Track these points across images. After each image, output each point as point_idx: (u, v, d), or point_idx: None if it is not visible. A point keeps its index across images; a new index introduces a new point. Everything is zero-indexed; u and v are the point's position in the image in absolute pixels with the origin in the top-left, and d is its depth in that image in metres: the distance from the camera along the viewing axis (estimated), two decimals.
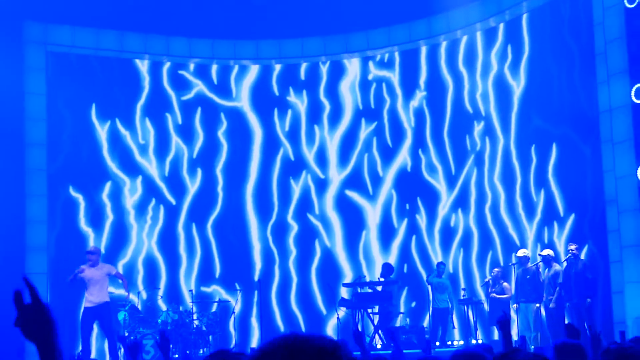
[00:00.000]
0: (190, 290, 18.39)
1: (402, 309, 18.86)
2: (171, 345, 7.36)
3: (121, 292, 16.39)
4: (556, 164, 17.50)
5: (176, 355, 16.24)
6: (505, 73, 18.79)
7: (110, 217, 19.38)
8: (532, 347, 15.38)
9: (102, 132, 19.49)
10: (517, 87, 18.53)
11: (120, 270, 17.97)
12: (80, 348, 16.54)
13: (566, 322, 15.76)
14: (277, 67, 20.65)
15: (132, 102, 19.85)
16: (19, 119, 18.00)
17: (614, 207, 15.54)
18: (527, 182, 18.17)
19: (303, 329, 19.85)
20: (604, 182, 15.89)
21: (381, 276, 17.66)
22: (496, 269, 17.53)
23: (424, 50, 20.02)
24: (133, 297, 17.20)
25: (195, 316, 17.23)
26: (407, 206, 20.00)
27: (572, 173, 17.03)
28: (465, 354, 4.55)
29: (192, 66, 20.38)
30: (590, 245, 16.51)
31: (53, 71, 18.78)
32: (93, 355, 17.63)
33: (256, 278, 19.25)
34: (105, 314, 14.93)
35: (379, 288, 17.34)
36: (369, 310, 17.16)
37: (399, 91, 20.29)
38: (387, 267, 17.79)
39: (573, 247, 15.58)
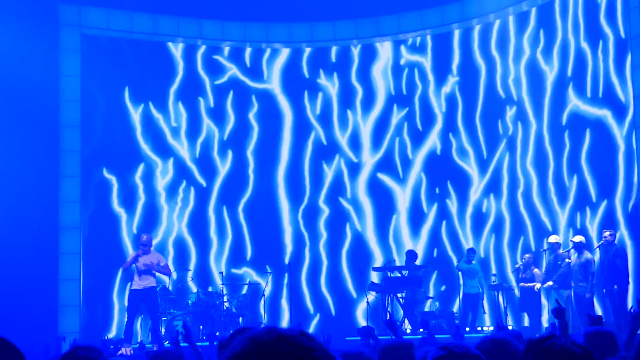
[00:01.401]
0: (221, 272, 18.45)
1: (431, 294, 18.84)
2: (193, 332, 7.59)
3: (161, 276, 16.60)
4: (589, 149, 17.37)
5: (204, 337, 16.34)
6: (537, 58, 18.65)
7: (142, 199, 19.52)
8: None
9: (135, 114, 19.62)
10: (550, 72, 18.38)
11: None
12: (112, 332, 16.72)
13: (596, 309, 15.68)
14: (308, 50, 20.64)
15: (165, 86, 19.94)
16: (54, 100, 18.16)
17: None
18: (559, 168, 18.05)
19: (333, 312, 19.91)
20: (638, 168, 15.75)
21: (405, 263, 17.67)
22: (527, 255, 17.46)
23: (457, 34, 19.91)
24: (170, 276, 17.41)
25: (225, 298, 17.31)
26: (437, 190, 19.96)
27: (605, 159, 16.91)
28: (494, 340, 4.54)
29: (226, 50, 20.41)
30: (621, 232, 16.39)
31: (87, 53, 18.91)
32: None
33: (287, 261, 19.30)
34: (153, 298, 15.75)
35: (405, 273, 17.35)
36: (399, 295, 17.16)
37: (431, 77, 20.21)
38: (410, 254, 17.78)
39: (607, 233, 15.40)
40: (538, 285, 16.75)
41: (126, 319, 15.96)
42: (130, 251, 18.90)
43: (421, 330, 14.92)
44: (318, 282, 20.18)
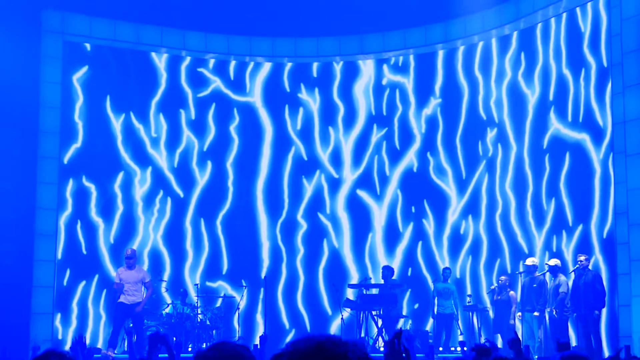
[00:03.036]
0: (196, 284, 18.39)
1: (404, 312, 18.85)
2: (159, 345, 7.45)
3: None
4: (568, 173, 17.47)
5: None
6: (519, 80, 18.76)
7: (120, 209, 19.43)
8: (536, 357, 15.34)
9: (116, 124, 19.54)
10: (532, 95, 18.50)
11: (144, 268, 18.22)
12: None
13: (570, 332, 15.74)
14: (289, 65, 20.65)
15: (147, 97, 19.88)
16: (34, 106, 18.05)
17: (624, 219, 15.49)
18: (538, 191, 18.13)
19: (308, 328, 19.86)
20: (615, 194, 15.85)
21: (382, 278, 17.70)
22: (503, 277, 17.50)
23: (440, 54, 19.99)
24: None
25: (199, 310, 17.24)
26: (413, 209, 19.99)
27: (582, 183, 17.02)
28: (572, 356, 4.65)
29: (211, 63, 20.39)
30: (595, 256, 16.47)
31: (69, 60, 18.84)
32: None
33: (263, 275, 19.24)
34: (139, 313, 15.84)
35: (377, 291, 17.39)
36: (374, 313, 17.15)
37: (412, 99, 20.27)
38: (387, 270, 17.84)
39: (583, 257, 15.45)
40: (518, 314, 16.74)
41: (111, 329, 16.01)
42: (107, 260, 18.83)
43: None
44: (294, 297, 20.14)
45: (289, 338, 19.56)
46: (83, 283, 18.76)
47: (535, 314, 16.01)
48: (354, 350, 2.31)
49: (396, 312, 17.39)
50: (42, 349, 12.42)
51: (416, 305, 19.40)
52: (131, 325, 15.71)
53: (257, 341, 11.26)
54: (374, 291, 17.70)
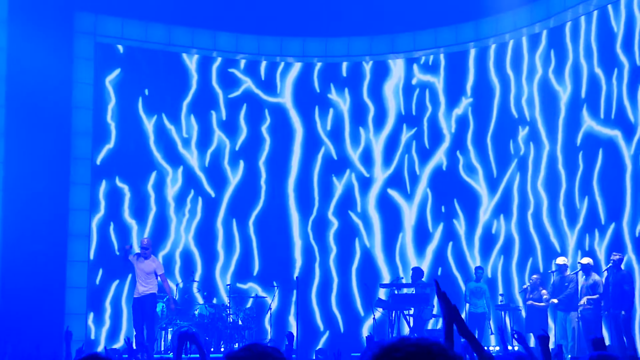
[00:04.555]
0: (228, 285, 18.45)
1: (435, 311, 18.80)
2: (188, 345, 7.45)
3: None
4: (600, 170, 17.34)
5: (212, 349, 16.33)
6: (550, 77, 18.63)
7: (153, 210, 19.54)
8: (569, 356, 15.24)
9: (148, 125, 19.66)
10: (563, 92, 18.38)
11: (160, 259, 18.25)
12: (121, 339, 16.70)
13: (604, 332, 15.62)
14: (319, 65, 20.64)
15: (178, 98, 19.98)
16: (66, 107, 18.21)
17: None
18: (572, 189, 18.00)
19: (342, 329, 19.88)
20: None
21: (412, 280, 17.70)
22: (535, 276, 17.40)
23: (472, 53, 19.90)
24: (172, 286, 17.42)
25: (230, 310, 17.29)
26: (443, 209, 19.92)
27: (614, 180, 16.88)
28: (601, 357, 4.66)
29: (242, 63, 20.45)
30: (628, 255, 16.33)
31: (101, 62, 18.99)
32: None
33: (295, 276, 19.17)
34: (149, 305, 15.57)
35: (409, 290, 17.37)
36: (405, 312, 17.13)
37: (442, 98, 20.21)
38: (417, 271, 17.84)
39: (617, 256, 15.32)
40: (546, 296, 16.63)
41: (134, 332, 15.84)
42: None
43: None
44: (328, 298, 20.14)
45: (323, 339, 19.59)
46: (116, 282, 18.89)
47: (574, 314, 15.85)
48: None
49: (428, 311, 17.36)
50: (76, 350, 12.50)
51: None
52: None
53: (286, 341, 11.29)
54: (406, 291, 17.67)
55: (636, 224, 16.32)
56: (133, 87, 19.48)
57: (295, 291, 18.47)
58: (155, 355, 13.73)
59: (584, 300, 15.48)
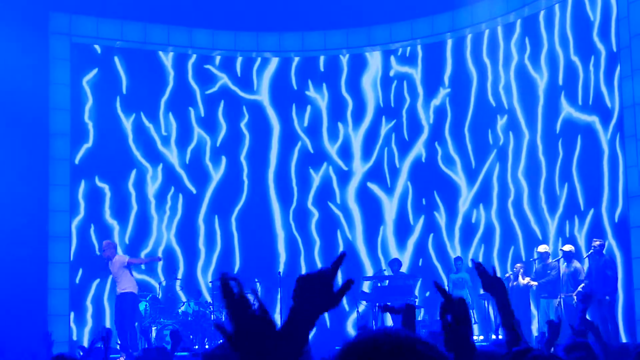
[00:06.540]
0: (211, 282, 18.39)
1: (417, 302, 18.81)
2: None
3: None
4: (579, 157, 17.40)
5: (196, 346, 16.30)
6: (526, 64, 18.68)
7: (134, 208, 19.47)
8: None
9: (127, 123, 19.58)
10: (541, 80, 18.42)
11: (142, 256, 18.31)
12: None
13: (587, 318, 15.66)
14: (296, 60, 20.60)
15: (156, 96, 19.89)
16: (43, 108, 18.12)
17: (637, 203, 15.42)
18: (552, 176, 18.04)
19: (328, 324, 19.85)
20: (628, 178, 15.78)
21: (392, 272, 17.76)
22: (518, 265, 17.44)
23: (449, 43, 19.91)
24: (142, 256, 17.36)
25: (212, 308, 17.25)
26: (424, 201, 19.93)
27: (592, 166, 16.96)
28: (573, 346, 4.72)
29: (217, 59, 20.38)
30: (609, 241, 16.39)
31: (77, 62, 18.89)
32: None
33: (280, 270, 18.96)
34: (120, 304, 15.56)
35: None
36: (388, 304, 17.11)
37: (420, 90, 20.21)
38: (394, 262, 17.89)
39: (597, 242, 15.41)
40: (527, 280, 16.68)
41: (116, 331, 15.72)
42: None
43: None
44: None
45: (311, 335, 19.53)
46: (97, 281, 18.81)
47: (555, 301, 15.90)
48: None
49: (411, 303, 17.37)
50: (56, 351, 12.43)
51: (427, 293, 19.32)
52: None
53: None
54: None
55: (615, 209, 16.40)
56: (110, 86, 19.39)
57: (279, 288, 18.38)
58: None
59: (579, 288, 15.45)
